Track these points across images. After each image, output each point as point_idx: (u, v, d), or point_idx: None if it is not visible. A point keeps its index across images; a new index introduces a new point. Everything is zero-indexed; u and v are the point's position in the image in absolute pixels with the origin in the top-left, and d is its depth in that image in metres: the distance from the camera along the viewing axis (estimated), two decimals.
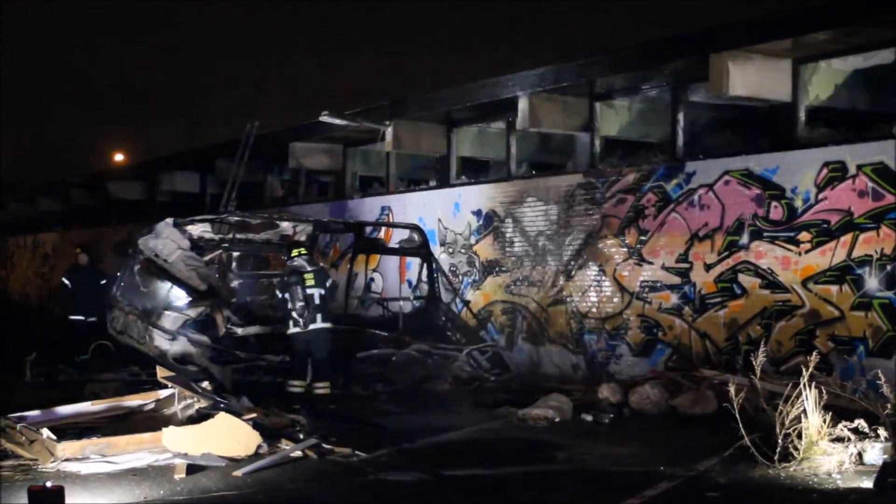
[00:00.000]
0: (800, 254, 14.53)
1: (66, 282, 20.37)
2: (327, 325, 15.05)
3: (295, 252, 15.42)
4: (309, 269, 15.15)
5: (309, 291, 14.86)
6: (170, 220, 17.34)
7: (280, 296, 15.14)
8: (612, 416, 13.67)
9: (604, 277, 17.42)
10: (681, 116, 16.75)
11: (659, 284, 16.49)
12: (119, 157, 59.41)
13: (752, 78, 15.06)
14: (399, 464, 10.64)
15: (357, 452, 10.88)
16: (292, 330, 14.92)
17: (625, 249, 17.07)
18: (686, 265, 16.07)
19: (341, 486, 9.80)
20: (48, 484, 8.43)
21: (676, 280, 16.21)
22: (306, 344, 14.94)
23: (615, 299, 17.21)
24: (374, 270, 21.96)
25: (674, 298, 16.25)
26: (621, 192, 17.19)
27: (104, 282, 19.84)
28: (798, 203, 14.60)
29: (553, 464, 10.84)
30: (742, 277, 15.27)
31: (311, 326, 14.84)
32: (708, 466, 10.37)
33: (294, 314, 14.81)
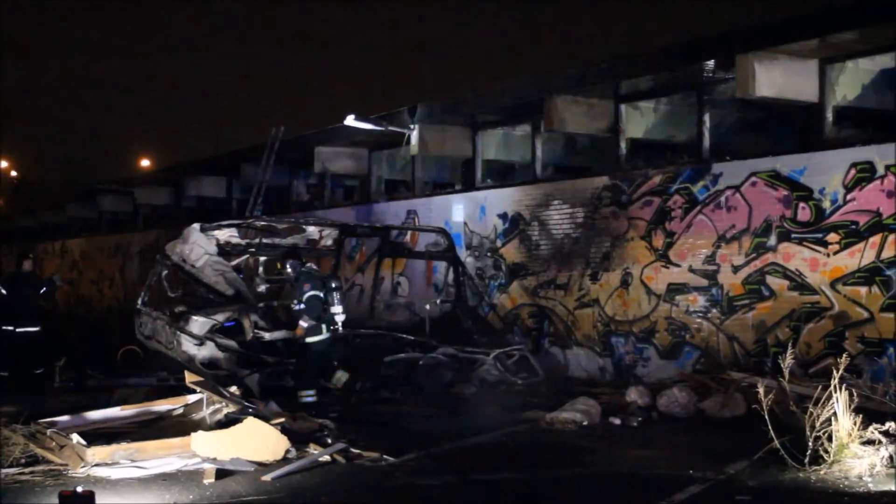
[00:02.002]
0: (828, 255, 14.46)
1: (2, 290, 18.57)
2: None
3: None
4: (318, 274, 15.32)
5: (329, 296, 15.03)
6: (197, 226, 17.39)
7: (315, 299, 15.02)
8: (640, 419, 13.60)
9: (630, 280, 17.37)
10: (707, 118, 16.70)
11: (686, 287, 16.43)
12: (145, 163, 59.79)
13: (779, 78, 15.01)
14: (427, 468, 10.62)
15: (385, 456, 10.87)
16: (318, 338, 15.01)
17: (651, 252, 17.01)
18: (713, 267, 16.01)
19: (370, 491, 9.79)
20: (79, 489, 8.44)
21: (704, 282, 16.15)
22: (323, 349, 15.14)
23: (642, 302, 17.16)
24: (401, 274, 21.96)
25: (701, 301, 16.19)
26: (647, 195, 17.14)
27: (43, 290, 19.35)
28: (826, 204, 14.53)
29: (582, 467, 10.79)
30: (770, 279, 15.20)
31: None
32: (738, 470, 10.30)
33: (337, 317, 14.96)
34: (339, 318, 15.25)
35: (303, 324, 15.04)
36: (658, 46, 17.22)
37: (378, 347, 17.02)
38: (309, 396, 14.65)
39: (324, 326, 15.05)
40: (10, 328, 17.78)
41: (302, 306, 15.01)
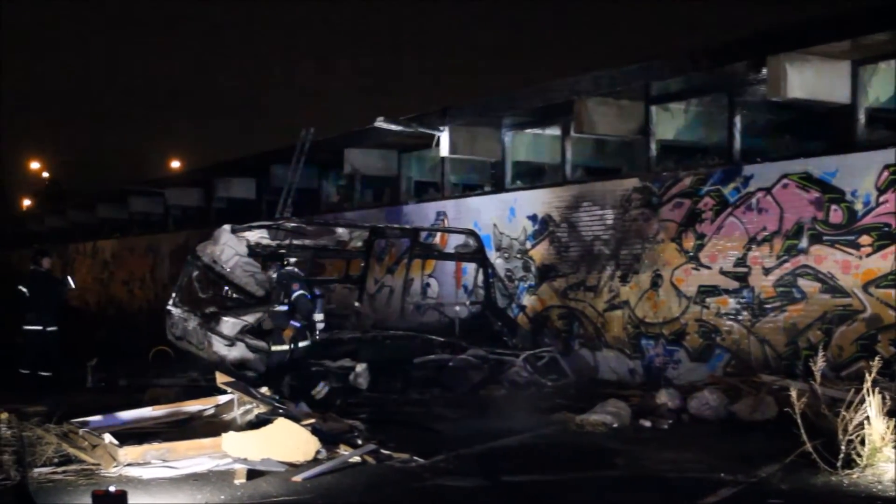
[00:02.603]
0: (860, 257, 14.37)
1: (24, 290, 18.01)
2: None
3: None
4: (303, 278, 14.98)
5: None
6: (227, 227, 17.43)
7: (304, 298, 14.80)
8: (670, 421, 13.56)
9: (660, 282, 17.32)
10: (738, 119, 16.61)
11: (717, 289, 16.37)
12: (175, 164, 60.13)
13: (811, 80, 14.92)
14: (457, 469, 10.63)
15: (415, 458, 10.88)
16: (306, 343, 14.87)
17: (682, 254, 16.96)
18: (744, 269, 15.94)
19: (400, 492, 9.81)
20: (111, 488, 8.51)
21: (734, 284, 16.08)
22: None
23: (672, 304, 17.10)
24: (430, 276, 21.98)
25: (732, 303, 16.13)
26: (678, 197, 17.09)
27: (61, 288, 19.15)
28: (858, 206, 14.44)
29: (612, 470, 10.78)
30: (802, 282, 15.13)
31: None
32: (769, 473, 10.26)
33: (319, 325, 14.68)
34: (320, 326, 14.94)
35: (294, 323, 14.78)
36: (689, 48, 17.18)
37: (408, 349, 17.05)
38: (323, 388, 14.63)
39: (308, 332, 14.83)
40: (39, 328, 17.76)
41: (285, 308, 14.88)
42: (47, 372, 17.31)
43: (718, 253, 16.36)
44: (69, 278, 19.60)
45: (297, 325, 14.73)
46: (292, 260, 15.32)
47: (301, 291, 14.87)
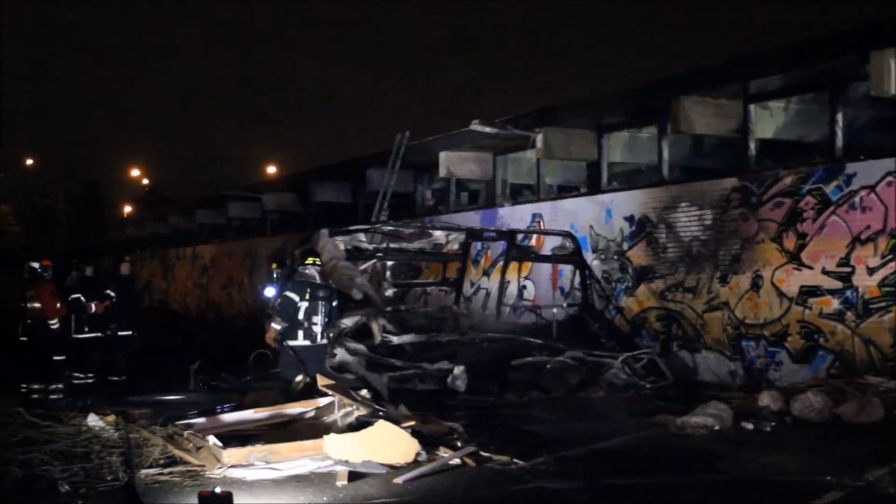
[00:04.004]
0: None
1: (112, 294, 18.00)
2: (325, 341, 14.43)
3: (309, 260, 14.56)
4: (318, 281, 14.41)
5: (312, 305, 14.12)
6: (325, 231, 17.59)
7: (304, 304, 14.16)
8: (773, 424, 13.32)
9: (761, 283, 17.07)
10: (840, 116, 16.34)
11: (819, 289, 16.08)
12: (271, 170, 60.91)
13: None
14: (558, 472, 10.57)
15: (515, 460, 10.84)
16: (301, 343, 14.15)
17: (783, 254, 16.69)
18: (847, 269, 15.65)
19: (500, 494, 9.78)
20: (217, 490, 8.63)
21: (838, 284, 15.79)
22: (318, 356, 14.30)
23: (773, 305, 16.85)
24: (526, 278, 21.95)
25: (835, 303, 15.84)
26: (778, 196, 16.84)
27: (140, 294, 19.04)
28: None
29: (715, 473, 10.63)
30: None
31: (321, 340, 14.21)
32: (877, 477, 10.02)
33: (315, 328, 14.27)
34: (317, 329, 14.17)
35: (275, 325, 14.22)
36: (789, 44, 16.92)
37: (505, 351, 17.03)
38: (303, 380, 13.84)
39: (301, 333, 14.07)
40: (129, 332, 18.00)
41: (275, 310, 14.54)
42: (114, 376, 17.59)
43: (821, 252, 16.08)
44: (151, 284, 19.86)
45: (277, 327, 14.16)
46: (308, 262, 14.72)
47: (286, 294, 14.27)
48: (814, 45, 16.28)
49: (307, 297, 14.11)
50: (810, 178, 16.35)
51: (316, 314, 14.15)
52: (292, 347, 14.06)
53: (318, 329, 14.13)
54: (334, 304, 14.31)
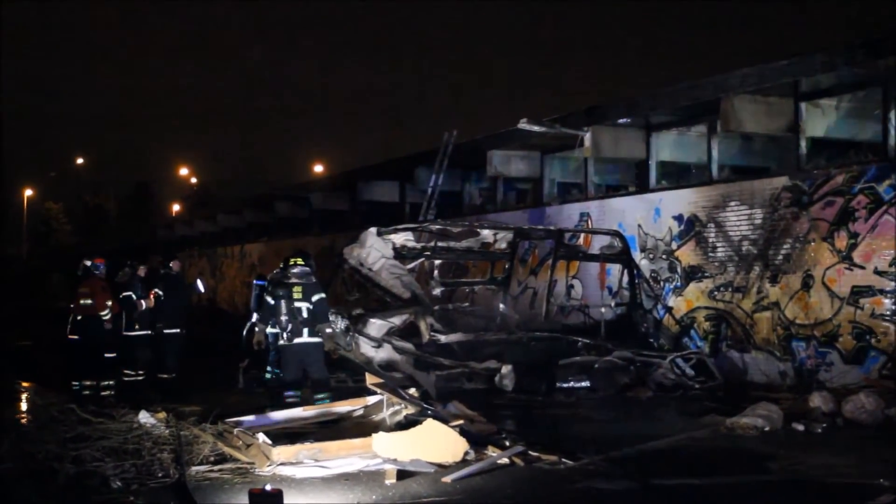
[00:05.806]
0: None
1: (160, 293, 17.78)
2: (315, 339, 14.23)
3: (292, 261, 14.59)
4: (300, 281, 14.36)
5: (296, 304, 14.06)
6: (373, 230, 17.62)
7: (271, 302, 14.40)
8: (824, 425, 13.23)
9: (812, 282, 16.91)
10: (893, 114, 16.13)
11: (871, 289, 15.91)
12: (319, 169, 61.16)
13: None
14: (606, 472, 10.55)
15: (564, 460, 10.83)
16: (280, 342, 14.35)
17: (834, 253, 16.53)
18: None
19: (549, 494, 9.78)
20: (267, 487, 8.70)
21: (890, 285, 15.60)
22: (296, 357, 14.20)
23: (824, 305, 16.67)
24: (574, 277, 21.88)
25: (888, 304, 15.65)
26: (829, 195, 16.66)
27: (189, 291, 18.96)
28: None
29: (766, 474, 10.56)
30: None
31: (297, 340, 14.06)
32: None
33: (278, 326, 14.35)
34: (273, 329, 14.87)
35: (254, 317, 15.20)
36: (840, 43, 16.73)
37: (553, 350, 17.01)
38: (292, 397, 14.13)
39: (306, 330, 14.17)
40: (177, 330, 18.00)
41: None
42: (164, 374, 17.61)
43: (873, 252, 15.90)
44: (199, 282, 19.91)
45: (253, 318, 14.57)
46: (298, 262, 14.73)
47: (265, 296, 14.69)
48: (866, 43, 16.08)
49: (279, 295, 14.22)
50: (862, 176, 16.17)
51: (279, 313, 14.18)
52: (277, 347, 14.46)
53: (285, 327, 14.15)
54: (298, 303, 14.26)
